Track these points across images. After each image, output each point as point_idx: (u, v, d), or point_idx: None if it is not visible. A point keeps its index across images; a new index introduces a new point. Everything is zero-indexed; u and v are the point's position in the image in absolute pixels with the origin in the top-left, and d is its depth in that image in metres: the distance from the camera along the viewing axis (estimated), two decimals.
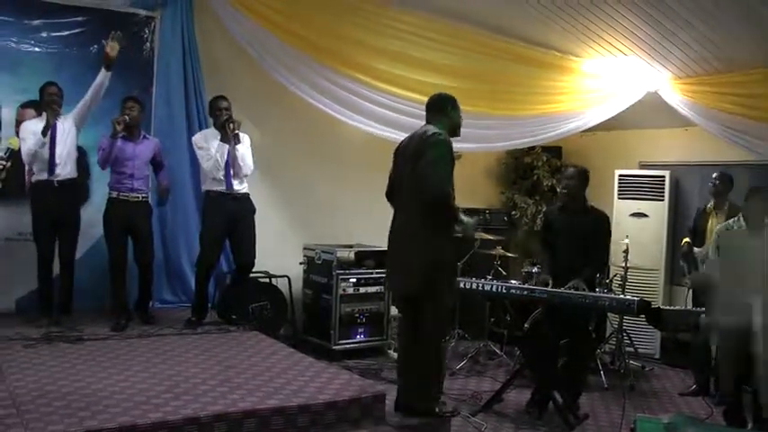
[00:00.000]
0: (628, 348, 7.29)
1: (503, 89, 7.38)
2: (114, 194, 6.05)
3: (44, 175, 5.80)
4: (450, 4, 6.69)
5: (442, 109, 4.97)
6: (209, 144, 6.15)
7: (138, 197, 6.10)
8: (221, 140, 6.13)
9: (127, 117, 5.92)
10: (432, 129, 4.78)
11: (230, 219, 6.22)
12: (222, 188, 6.16)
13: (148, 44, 6.79)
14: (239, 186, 6.24)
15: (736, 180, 6.53)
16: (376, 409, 4.57)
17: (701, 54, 6.53)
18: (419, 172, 4.61)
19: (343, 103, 6.76)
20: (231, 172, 6.15)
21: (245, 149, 6.23)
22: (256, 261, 6.44)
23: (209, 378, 4.62)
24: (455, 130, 5.02)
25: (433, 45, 6.90)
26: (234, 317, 6.41)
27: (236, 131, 6.13)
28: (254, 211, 6.38)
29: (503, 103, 7.39)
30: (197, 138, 6.29)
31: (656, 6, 5.83)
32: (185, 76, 6.81)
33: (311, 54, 6.57)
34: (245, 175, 6.30)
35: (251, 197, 6.41)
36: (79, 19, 6.45)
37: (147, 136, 6.30)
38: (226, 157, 6.12)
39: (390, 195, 5.21)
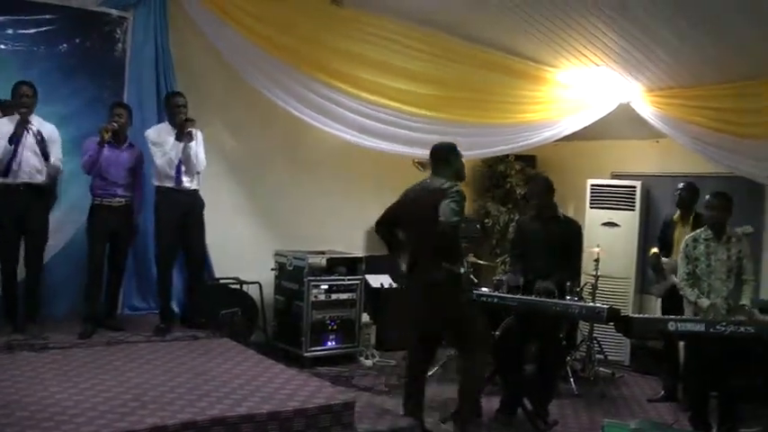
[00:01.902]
0: (598, 355, 7.35)
1: (478, 97, 7.39)
2: (98, 201, 5.97)
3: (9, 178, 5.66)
4: (427, 12, 6.68)
5: (445, 159, 5.10)
6: (162, 140, 6.06)
7: (122, 201, 6.04)
8: (176, 139, 6.03)
9: (116, 125, 5.85)
10: (445, 182, 4.89)
11: (181, 213, 6.18)
12: (172, 184, 6.11)
13: (120, 45, 6.67)
14: (189, 183, 6.19)
15: (707, 192, 6.57)
16: (345, 417, 4.54)
17: (673, 67, 6.59)
18: (441, 210, 4.68)
19: (319, 109, 6.73)
20: (182, 169, 6.10)
21: (197, 146, 6.16)
22: (227, 267, 6.39)
23: (177, 386, 4.56)
24: (459, 176, 5.14)
25: (410, 53, 6.90)
26: (203, 320, 6.38)
27: (191, 129, 6.05)
28: (203, 206, 6.34)
29: (478, 111, 7.41)
30: (150, 133, 6.15)
31: (629, 20, 5.86)
32: (158, 77, 6.71)
33: (287, 60, 6.53)
34: (198, 173, 6.23)
35: (219, 199, 6.40)
36: (48, 17, 6.27)
37: (133, 143, 6.20)
38: (180, 155, 6.07)
39: (383, 226, 5.32)
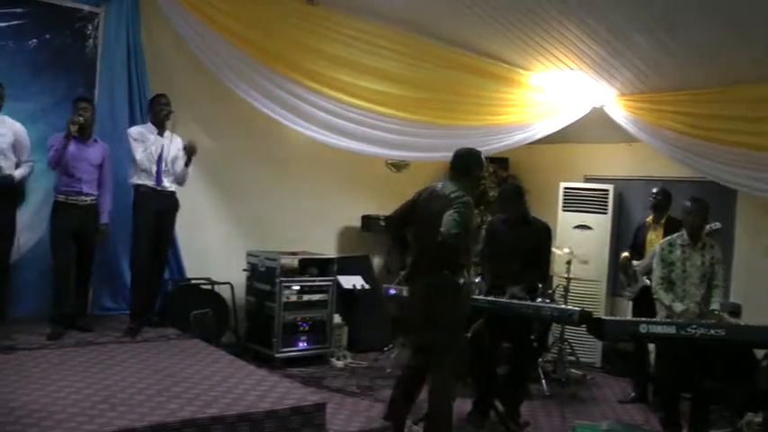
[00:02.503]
0: (569, 357, 7.41)
1: (451, 99, 7.40)
2: (62, 198, 5.86)
3: None
4: (401, 13, 6.68)
5: (467, 169, 4.97)
6: (145, 138, 6.09)
7: (87, 200, 5.93)
8: (158, 134, 6.12)
9: (81, 118, 5.76)
10: (455, 191, 4.76)
11: (159, 215, 6.18)
12: (152, 183, 6.10)
13: (92, 41, 6.58)
14: (169, 184, 6.21)
15: (678, 196, 6.64)
16: (317, 418, 4.55)
17: (646, 73, 6.64)
18: (444, 220, 4.58)
19: (292, 108, 6.69)
20: (162, 168, 6.13)
21: (177, 151, 6.22)
22: (199, 267, 6.36)
23: (146, 387, 4.52)
24: (474, 190, 5.10)
25: (384, 53, 6.89)
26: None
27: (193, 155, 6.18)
28: (178, 208, 6.37)
29: (450, 112, 7.41)
30: (132, 131, 6.16)
31: (603, 24, 5.90)
32: (129, 74, 6.63)
33: (260, 58, 6.49)
34: (178, 183, 6.32)
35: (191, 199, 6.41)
36: (18, 11, 6.15)
37: (98, 139, 6.12)
38: (160, 150, 6.09)
39: (393, 225, 5.27)
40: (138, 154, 6.04)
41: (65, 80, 6.34)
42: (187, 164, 6.24)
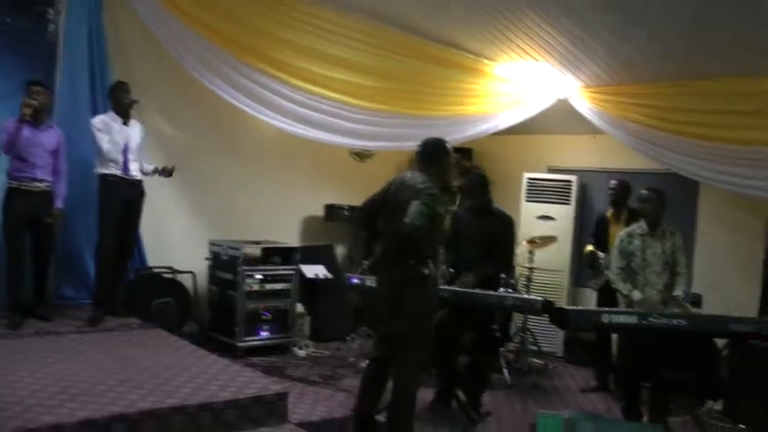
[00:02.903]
0: (531, 347, 7.46)
1: (416, 89, 7.36)
2: (15, 184, 5.75)
3: None
4: (366, 3, 6.64)
5: (436, 158, 4.96)
6: (109, 127, 6.04)
7: (41, 186, 5.83)
8: (123, 124, 6.08)
9: (35, 102, 5.65)
10: (424, 181, 4.75)
11: (125, 203, 6.14)
12: (119, 172, 6.06)
13: (53, 25, 6.47)
14: (135, 172, 6.19)
15: (641, 187, 6.69)
16: (278, 407, 4.56)
17: (611, 65, 6.68)
18: (410, 210, 4.56)
19: (256, 98, 6.61)
20: (129, 157, 6.11)
21: (139, 138, 6.26)
22: (161, 256, 6.32)
23: (107, 378, 4.48)
24: (444, 180, 5.08)
25: (349, 43, 6.83)
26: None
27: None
28: (143, 196, 6.34)
29: (415, 102, 7.38)
30: (96, 121, 6.10)
31: (568, 16, 5.92)
32: (91, 61, 6.55)
33: (225, 47, 6.41)
34: (144, 172, 6.31)
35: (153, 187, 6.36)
36: None
37: (53, 125, 6.02)
38: (123, 137, 6.06)
39: (363, 215, 5.23)
40: (105, 144, 5.98)
41: (25, 66, 6.22)
42: (155, 172, 6.34)
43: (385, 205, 5.00)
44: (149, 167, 6.36)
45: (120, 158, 6.05)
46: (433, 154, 4.97)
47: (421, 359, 4.95)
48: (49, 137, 5.90)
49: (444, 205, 4.95)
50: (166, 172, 6.32)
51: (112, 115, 6.13)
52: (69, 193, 6.11)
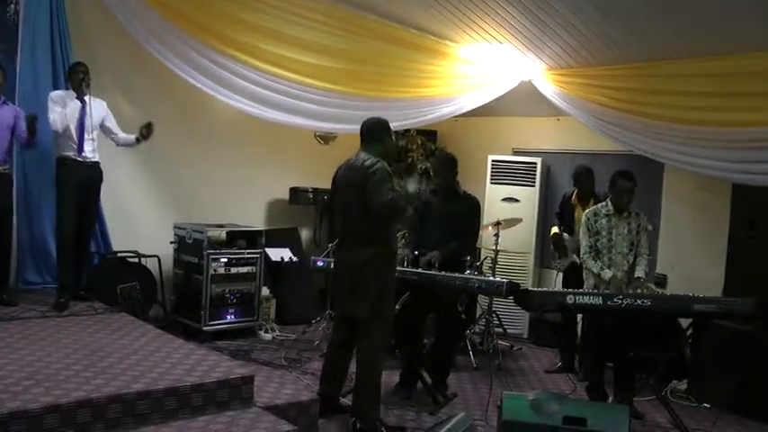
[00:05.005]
0: (497, 329, 7.49)
1: (378, 71, 7.32)
2: None
3: None
4: None
5: (378, 137, 5.02)
6: (63, 102, 5.95)
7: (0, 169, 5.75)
8: (77, 98, 6.00)
9: None
10: (368, 159, 4.83)
11: (82, 186, 6.04)
12: (74, 153, 5.98)
13: (13, 6, 6.33)
14: (91, 154, 6.09)
15: (605, 169, 6.74)
16: (244, 391, 4.52)
17: (574, 47, 6.70)
18: (367, 197, 4.68)
19: (217, 79, 6.53)
20: (84, 137, 6.02)
21: (101, 115, 6.21)
22: (126, 240, 6.25)
23: (72, 363, 4.41)
24: (389, 155, 5.11)
25: (309, 24, 6.76)
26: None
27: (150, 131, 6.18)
28: (101, 179, 6.25)
29: (378, 84, 7.35)
30: (54, 94, 6.03)
31: None
32: (52, 40, 6.44)
33: (186, 28, 6.31)
34: (128, 144, 6.36)
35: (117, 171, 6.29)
36: None
37: (8, 102, 5.91)
38: (78, 116, 5.96)
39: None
40: (52, 114, 5.85)
41: None
42: (138, 141, 6.27)
43: (337, 190, 5.08)
44: (130, 137, 6.29)
45: (75, 136, 5.94)
46: (374, 133, 5.03)
47: (383, 341, 4.99)
48: (6, 113, 5.80)
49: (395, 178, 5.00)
50: (146, 132, 6.21)
51: (70, 93, 6.04)
52: (30, 175, 6.04)
